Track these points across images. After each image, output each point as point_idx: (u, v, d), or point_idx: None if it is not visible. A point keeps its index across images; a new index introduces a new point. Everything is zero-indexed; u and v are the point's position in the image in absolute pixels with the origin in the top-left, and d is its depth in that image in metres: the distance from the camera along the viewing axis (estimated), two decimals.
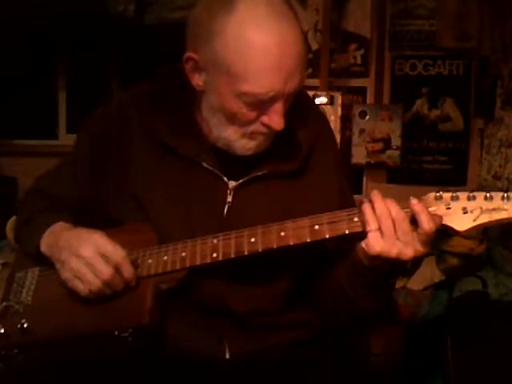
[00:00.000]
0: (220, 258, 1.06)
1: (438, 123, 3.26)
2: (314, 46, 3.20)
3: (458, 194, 1.03)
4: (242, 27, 0.99)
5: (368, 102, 3.29)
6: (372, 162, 3.23)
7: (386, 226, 1.00)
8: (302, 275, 1.17)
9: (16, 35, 3.52)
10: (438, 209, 1.03)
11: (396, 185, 3.31)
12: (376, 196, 1.02)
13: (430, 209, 1.03)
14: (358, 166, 3.24)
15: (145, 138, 1.15)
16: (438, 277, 2.56)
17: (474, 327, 2.06)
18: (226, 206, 1.13)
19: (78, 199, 1.21)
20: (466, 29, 3.15)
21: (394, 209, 1.01)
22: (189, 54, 1.06)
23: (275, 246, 1.04)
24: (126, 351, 1.07)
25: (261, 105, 1.03)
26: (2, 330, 1.11)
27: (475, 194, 1.02)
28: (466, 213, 1.02)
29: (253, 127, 1.07)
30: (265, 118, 1.05)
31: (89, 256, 1.07)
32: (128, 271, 1.08)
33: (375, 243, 1.00)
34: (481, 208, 1.01)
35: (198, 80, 1.08)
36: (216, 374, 1.12)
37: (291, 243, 1.04)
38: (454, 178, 3.27)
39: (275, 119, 1.04)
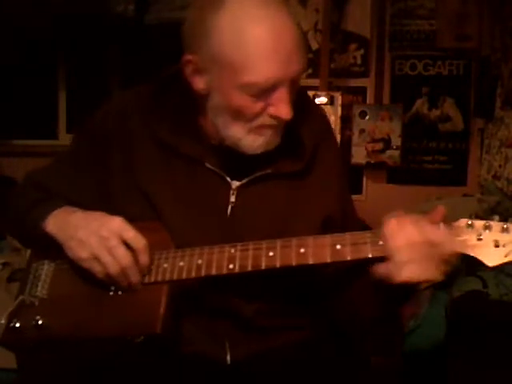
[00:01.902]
0: (236, 271, 1.04)
1: (437, 123, 3.27)
2: (314, 46, 3.21)
3: (491, 223, 0.98)
4: (233, 19, 1.00)
5: (368, 102, 3.29)
6: (372, 162, 3.23)
7: (422, 252, 0.97)
8: (309, 281, 1.16)
9: (16, 35, 3.52)
10: (470, 239, 0.98)
11: (396, 185, 3.32)
12: (404, 221, 0.99)
13: (460, 238, 0.99)
14: (358, 166, 3.24)
15: (147, 137, 1.15)
16: None
17: (474, 327, 2.05)
18: (230, 206, 1.12)
19: (77, 200, 1.19)
20: (466, 29, 3.15)
21: (431, 233, 0.98)
22: (187, 56, 1.06)
23: (294, 264, 1.02)
24: (135, 354, 1.06)
25: (265, 95, 1.03)
26: (18, 325, 1.11)
27: (509, 225, 0.97)
28: (497, 246, 0.97)
29: (260, 120, 1.06)
30: (271, 109, 1.05)
31: (111, 238, 1.06)
32: (145, 261, 1.07)
33: (400, 273, 0.97)
34: None
35: (198, 83, 1.07)
36: (217, 375, 1.11)
37: (310, 262, 1.02)
38: (453, 178, 3.28)
39: (282, 108, 1.04)
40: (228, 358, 1.12)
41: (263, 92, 1.03)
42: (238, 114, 1.05)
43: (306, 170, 1.15)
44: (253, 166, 1.12)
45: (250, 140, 1.08)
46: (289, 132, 1.11)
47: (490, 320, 2.06)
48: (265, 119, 1.06)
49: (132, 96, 1.21)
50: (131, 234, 1.07)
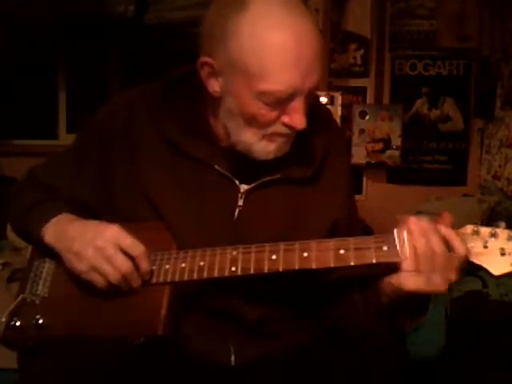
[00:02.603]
0: (239, 273, 1.03)
1: (437, 123, 3.26)
2: None
3: (497, 230, 0.96)
4: (255, 25, 0.97)
5: (368, 102, 3.29)
6: (372, 162, 3.23)
7: (425, 264, 0.96)
8: (313, 285, 1.15)
9: (16, 35, 3.52)
10: (476, 246, 0.97)
11: (396, 185, 3.32)
12: (415, 229, 0.97)
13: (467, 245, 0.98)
14: (358, 166, 3.24)
15: (155, 137, 1.13)
16: None
17: (474, 327, 2.05)
18: (237, 210, 1.11)
19: (77, 197, 1.19)
20: (466, 29, 3.15)
21: (435, 243, 0.96)
22: (204, 58, 1.04)
23: (297, 268, 1.01)
24: (132, 355, 1.05)
25: (281, 104, 1.01)
26: (18, 323, 1.11)
27: None
28: (503, 254, 0.95)
29: (272, 128, 1.04)
30: (285, 118, 1.03)
31: (107, 248, 1.05)
32: (145, 267, 1.06)
33: (411, 282, 0.96)
34: None
35: (214, 86, 1.06)
36: (220, 378, 1.11)
37: (313, 266, 1.00)
38: (453, 178, 3.27)
39: (296, 118, 1.02)
40: (232, 359, 1.11)
41: (279, 101, 1.01)
42: (251, 121, 1.04)
43: (315, 176, 1.14)
44: (262, 170, 1.11)
45: (262, 146, 1.06)
46: (299, 138, 1.09)
47: (490, 320, 2.06)
48: (278, 127, 1.04)
49: (139, 94, 1.19)
50: (128, 241, 1.06)
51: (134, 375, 1.05)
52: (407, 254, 0.97)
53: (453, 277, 0.97)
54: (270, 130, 1.05)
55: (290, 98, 1.01)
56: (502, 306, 2.15)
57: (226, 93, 1.05)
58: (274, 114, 1.03)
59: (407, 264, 0.97)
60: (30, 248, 1.24)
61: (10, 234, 2.44)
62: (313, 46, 0.99)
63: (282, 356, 1.12)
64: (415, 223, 0.98)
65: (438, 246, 0.96)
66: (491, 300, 2.18)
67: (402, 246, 0.98)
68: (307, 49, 0.98)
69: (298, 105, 1.02)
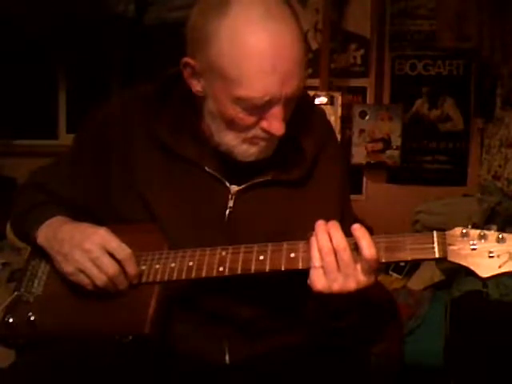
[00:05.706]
0: (226, 273, 1.04)
1: (437, 123, 3.26)
2: (314, 46, 3.21)
3: (487, 232, 0.93)
4: (235, 30, 0.97)
5: (368, 102, 3.29)
6: (372, 161, 3.23)
7: (327, 261, 0.95)
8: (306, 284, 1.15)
9: (16, 35, 3.52)
10: (463, 248, 0.94)
11: (396, 185, 3.32)
12: (319, 227, 0.98)
13: (453, 247, 0.95)
14: (358, 166, 3.24)
15: (148, 138, 1.14)
16: (438, 277, 2.56)
17: (474, 328, 2.06)
18: (227, 211, 1.12)
19: (74, 198, 1.20)
20: (466, 29, 3.15)
21: (336, 239, 0.96)
22: (186, 59, 1.05)
23: (283, 268, 1.02)
24: (125, 354, 1.06)
25: (258, 109, 1.02)
26: (11, 320, 1.12)
27: (505, 235, 0.93)
28: (492, 257, 0.92)
29: (252, 132, 1.05)
30: (264, 124, 1.03)
31: (94, 250, 1.06)
32: (132, 269, 1.07)
33: (316, 280, 0.96)
34: (509, 253, 0.91)
35: (196, 86, 1.07)
36: (216, 378, 1.11)
37: (300, 267, 1.01)
38: (453, 178, 3.27)
39: (274, 124, 1.02)
40: (227, 358, 1.12)
41: (256, 107, 1.01)
42: (230, 124, 1.04)
43: (306, 177, 1.14)
44: (253, 171, 1.11)
45: (243, 149, 1.07)
46: (291, 139, 1.10)
47: (490, 320, 2.06)
48: (257, 132, 1.05)
49: (134, 96, 1.20)
50: (114, 244, 1.07)
51: (125, 375, 1.05)
52: (311, 252, 0.98)
53: (361, 278, 0.96)
54: (250, 133, 1.05)
55: (267, 104, 1.01)
56: (502, 305, 2.15)
57: (206, 94, 1.06)
58: (252, 119, 1.03)
59: (311, 260, 0.97)
60: (29, 248, 1.24)
61: (10, 234, 2.44)
62: (292, 53, 0.99)
63: (276, 354, 1.12)
64: (319, 225, 0.98)
65: (335, 242, 0.96)
66: (491, 300, 2.18)
67: (309, 246, 0.98)
68: (285, 56, 0.98)
69: (276, 111, 1.02)
